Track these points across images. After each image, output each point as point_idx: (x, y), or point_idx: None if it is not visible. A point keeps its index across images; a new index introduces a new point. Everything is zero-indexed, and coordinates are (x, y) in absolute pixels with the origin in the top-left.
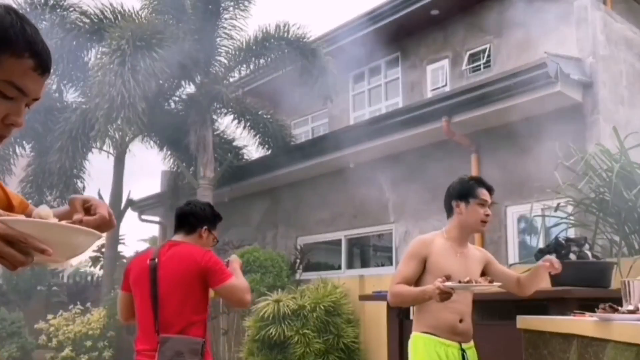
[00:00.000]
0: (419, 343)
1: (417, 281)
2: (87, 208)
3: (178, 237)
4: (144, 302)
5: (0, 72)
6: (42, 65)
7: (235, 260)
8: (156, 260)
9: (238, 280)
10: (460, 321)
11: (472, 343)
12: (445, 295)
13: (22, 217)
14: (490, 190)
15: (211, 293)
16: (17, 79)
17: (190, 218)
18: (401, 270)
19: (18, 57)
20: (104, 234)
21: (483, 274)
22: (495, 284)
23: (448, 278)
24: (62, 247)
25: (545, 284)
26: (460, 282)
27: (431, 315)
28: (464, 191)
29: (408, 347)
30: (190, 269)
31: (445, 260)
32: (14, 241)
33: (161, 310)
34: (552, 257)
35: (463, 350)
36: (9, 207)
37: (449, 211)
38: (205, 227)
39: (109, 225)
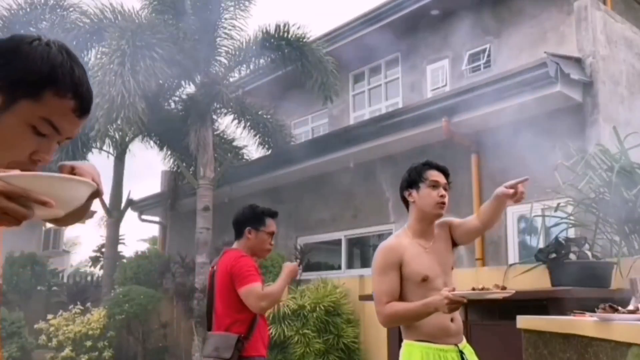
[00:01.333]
0: (414, 353)
1: (403, 293)
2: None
3: (234, 244)
4: (207, 305)
5: (39, 109)
6: (83, 108)
7: (286, 267)
8: (215, 267)
9: (259, 286)
10: (452, 320)
11: (464, 340)
12: (455, 305)
13: (17, 171)
14: (442, 170)
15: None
16: (55, 117)
17: (234, 225)
18: (382, 287)
19: (61, 97)
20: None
21: (453, 244)
22: (509, 290)
23: (425, 280)
24: (60, 199)
25: (545, 284)
26: (474, 289)
27: (423, 320)
28: (411, 178)
29: (400, 357)
30: (226, 273)
31: (416, 261)
32: (15, 196)
33: (214, 312)
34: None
35: (461, 352)
36: None
37: (406, 205)
38: (247, 227)
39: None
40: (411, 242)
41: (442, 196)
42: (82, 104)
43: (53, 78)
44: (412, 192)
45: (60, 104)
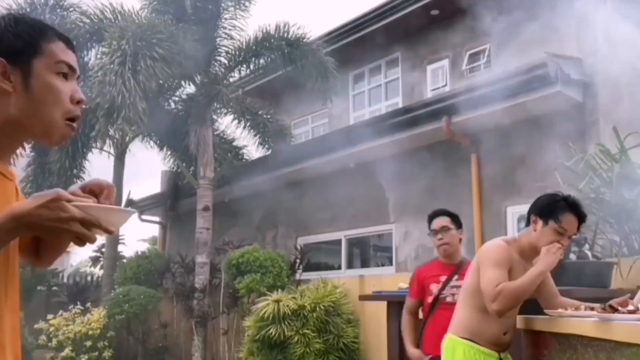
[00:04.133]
0: (457, 349)
1: (477, 293)
2: (90, 192)
3: None
4: None
5: (50, 57)
6: (68, 42)
7: None
8: None
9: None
10: (505, 334)
11: (507, 352)
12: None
13: (91, 202)
14: (580, 218)
15: None
16: (63, 56)
17: None
18: (496, 276)
19: (52, 41)
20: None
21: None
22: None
23: None
24: (115, 226)
25: None
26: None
27: (478, 322)
28: (547, 209)
29: (442, 347)
30: None
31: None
32: (89, 224)
33: None
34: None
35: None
36: None
37: (528, 221)
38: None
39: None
40: (518, 258)
41: (561, 244)
42: (66, 39)
43: (39, 31)
44: (538, 222)
45: (56, 46)
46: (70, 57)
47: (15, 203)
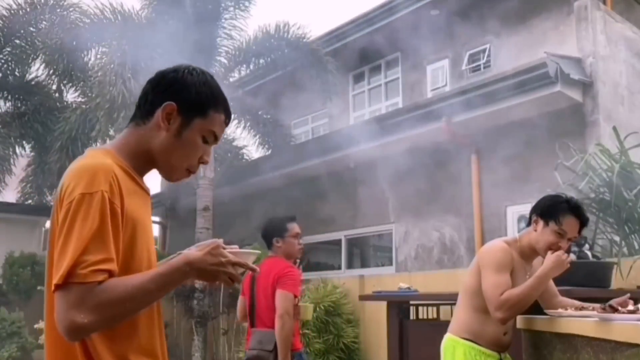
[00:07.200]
0: (458, 349)
1: (477, 293)
2: None
3: (269, 253)
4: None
5: (208, 124)
6: (228, 117)
7: None
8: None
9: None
10: (505, 334)
11: (507, 352)
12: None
13: (236, 247)
14: (582, 222)
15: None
16: (216, 128)
17: (264, 239)
18: (499, 282)
19: (219, 113)
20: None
21: None
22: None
23: None
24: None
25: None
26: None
27: (478, 323)
28: (548, 209)
29: (441, 348)
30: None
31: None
32: (239, 266)
33: (256, 310)
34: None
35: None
36: None
37: (529, 221)
38: (274, 238)
39: None
40: (519, 259)
41: (559, 247)
42: (228, 115)
43: (214, 100)
44: (539, 222)
45: (218, 118)
46: (221, 130)
47: (186, 251)
